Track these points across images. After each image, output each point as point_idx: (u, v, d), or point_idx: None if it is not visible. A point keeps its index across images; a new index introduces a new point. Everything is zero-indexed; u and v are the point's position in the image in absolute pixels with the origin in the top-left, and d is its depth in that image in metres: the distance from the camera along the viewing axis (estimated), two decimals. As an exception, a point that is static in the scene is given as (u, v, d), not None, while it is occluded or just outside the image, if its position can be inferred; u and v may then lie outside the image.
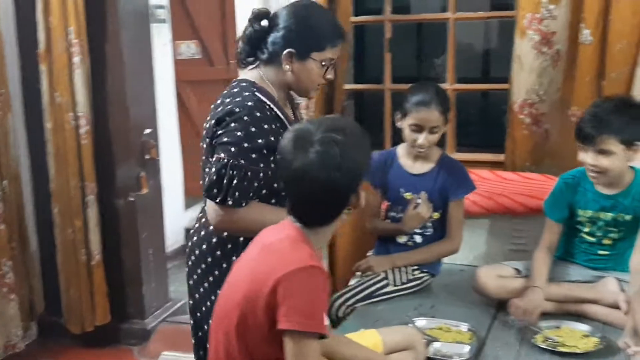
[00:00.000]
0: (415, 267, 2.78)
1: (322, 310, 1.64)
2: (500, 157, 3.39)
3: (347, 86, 3.76)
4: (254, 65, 2.20)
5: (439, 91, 2.69)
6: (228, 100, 2.10)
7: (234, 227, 2.07)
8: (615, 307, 2.41)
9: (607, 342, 2.29)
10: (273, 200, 2.12)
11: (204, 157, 2.16)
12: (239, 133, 2.01)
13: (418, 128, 2.65)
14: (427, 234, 2.80)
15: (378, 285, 2.71)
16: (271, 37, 2.14)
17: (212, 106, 2.17)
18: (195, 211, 5.45)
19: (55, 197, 3.53)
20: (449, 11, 3.43)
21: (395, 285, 2.73)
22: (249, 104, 2.06)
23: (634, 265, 2.43)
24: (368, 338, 2.07)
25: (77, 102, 3.42)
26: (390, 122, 3.49)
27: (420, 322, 2.46)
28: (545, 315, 2.49)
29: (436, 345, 2.29)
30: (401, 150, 2.82)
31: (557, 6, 3.06)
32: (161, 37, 4.85)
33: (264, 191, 2.08)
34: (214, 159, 2.03)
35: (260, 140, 2.03)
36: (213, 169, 2.01)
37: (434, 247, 2.80)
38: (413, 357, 2.10)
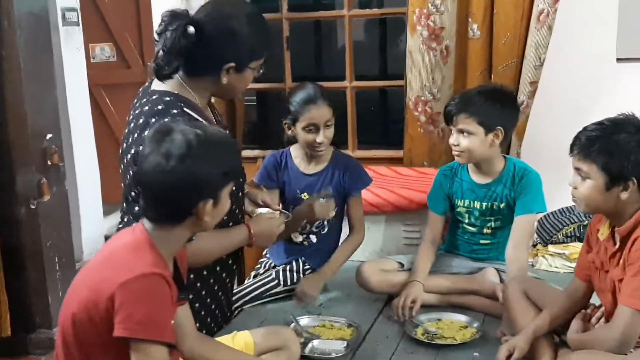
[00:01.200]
0: (307, 267, 2.77)
1: (163, 318, 1.61)
2: (400, 154, 3.42)
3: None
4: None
5: (319, 87, 2.66)
6: (154, 120, 1.93)
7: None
8: (495, 297, 2.45)
9: (483, 332, 2.33)
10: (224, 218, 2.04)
11: (128, 181, 2.00)
12: None
13: (314, 127, 2.60)
14: (323, 232, 2.79)
15: (268, 286, 2.69)
16: (204, 50, 1.96)
17: (131, 125, 2.00)
18: (115, 219, 5.45)
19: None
20: (344, 8, 3.45)
21: (285, 286, 2.71)
22: None
23: (509, 255, 2.47)
24: (240, 340, 2.06)
25: (-33, 108, 3.33)
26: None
27: (303, 320, 2.45)
28: (429, 307, 2.53)
29: (314, 342, 2.29)
30: (294, 151, 2.78)
31: (444, 1, 3.09)
32: (73, 41, 4.73)
33: None
34: None
35: None
36: None
37: (346, 245, 2.76)
38: (286, 356, 2.08)
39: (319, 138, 2.60)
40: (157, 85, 2.07)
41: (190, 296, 2.02)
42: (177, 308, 1.74)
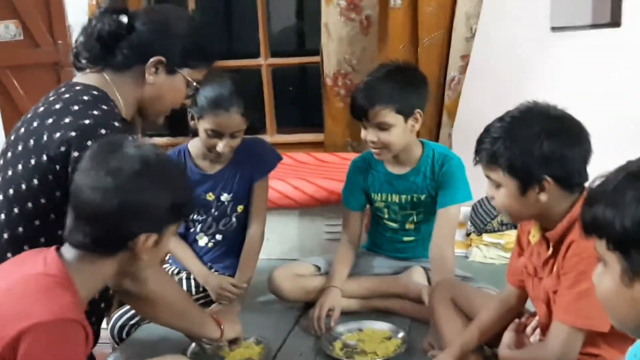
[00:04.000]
0: (216, 271, 2.45)
1: None
2: (322, 137, 3.12)
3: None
4: (95, 69, 1.75)
5: (237, 88, 2.24)
6: (77, 108, 1.63)
7: None
8: (422, 300, 2.19)
9: (408, 344, 2.07)
10: None
11: (25, 181, 1.63)
12: None
13: (216, 134, 2.24)
14: (230, 229, 2.46)
15: (168, 297, 2.36)
16: (134, 38, 1.70)
17: (40, 109, 1.68)
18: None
19: None
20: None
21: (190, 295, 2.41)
22: (116, 124, 1.62)
23: (432, 254, 2.20)
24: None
25: None
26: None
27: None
28: (350, 314, 2.27)
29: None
30: (193, 148, 2.41)
31: (361, -33, 2.77)
32: (-29, 19, 4.33)
33: None
34: None
35: None
36: None
37: (248, 249, 2.40)
38: None
39: (220, 147, 2.24)
40: (81, 78, 1.76)
41: None
42: None
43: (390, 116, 2.11)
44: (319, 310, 2.17)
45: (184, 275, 2.46)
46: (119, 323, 2.31)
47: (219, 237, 2.47)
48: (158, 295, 1.73)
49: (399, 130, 2.13)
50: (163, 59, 1.73)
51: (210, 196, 2.40)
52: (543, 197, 1.55)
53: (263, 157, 2.43)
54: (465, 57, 2.76)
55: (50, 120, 1.64)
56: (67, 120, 1.62)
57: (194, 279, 2.42)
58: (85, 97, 1.68)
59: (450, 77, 2.78)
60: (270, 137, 3.29)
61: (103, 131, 1.60)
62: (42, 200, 1.64)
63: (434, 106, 2.87)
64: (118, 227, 1.38)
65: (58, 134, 1.60)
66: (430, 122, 2.89)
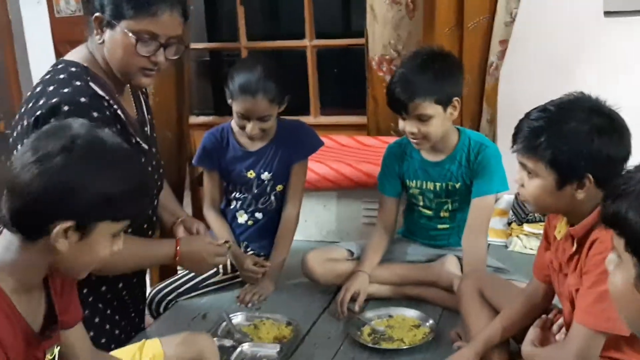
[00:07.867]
0: (250, 251, 2.51)
1: None
2: (365, 120, 3.11)
3: (198, 45, 3.39)
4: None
5: (267, 74, 2.27)
6: (51, 88, 1.67)
7: None
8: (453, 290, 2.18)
9: (437, 332, 2.07)
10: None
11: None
12: None
13: (244, 117, 2.31)
14: (270, 208, 2.50)
15: (205, 276, 2.40)
16: None
17: (28, 93, 1.73)
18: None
19: None
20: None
21: (225, 274, 2.46)
22: (82, 100, 1.64)
23: (465, 245, 2.19)
24: (148, 351, 1.80)
25: None
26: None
27: (237, 318, 2.20)
28: (382, 300, 2.29)
29: (244, 347, 2.02)
30: (235, 125, 2.46)
31: (410, -51, 2.73)
32: (32, -5, 4.44)
33: None
34: None
35: None
36: None
37: (283, 230, 2.45)
38: None
39: (248, 129, 2.32)
40: (68, 55, 1.82)
41: (87, 312, 1.76)
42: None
43: (430, 107, 2.10)
44: (344, 293, 2.21)
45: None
46: (157, 297, 2.40)
47: (258, 215, 2.52)
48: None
49: (438, 121, 2.12)
50: (99, 14, 1.71)
51: (251, 174, 2.45)
52: (580, 194, 1.52)
53: (304, 141, 2.47)
54: (504, 42, 2.70)
55: (29, 105, 1.68)
56: (40, 102, 1.65)
57: (228, 258, 2.48)
58: (62, 76, 1.71)
59: (489, 62, 2.74)
60: (314, 118, 3.30)
61: (66, 108, 1.61)
62: None
63: (477, 93, 2.83)
64: (33, 203, 1.23)
65: (31, 119, 1.63)
66: (473, 109, 2.85)
